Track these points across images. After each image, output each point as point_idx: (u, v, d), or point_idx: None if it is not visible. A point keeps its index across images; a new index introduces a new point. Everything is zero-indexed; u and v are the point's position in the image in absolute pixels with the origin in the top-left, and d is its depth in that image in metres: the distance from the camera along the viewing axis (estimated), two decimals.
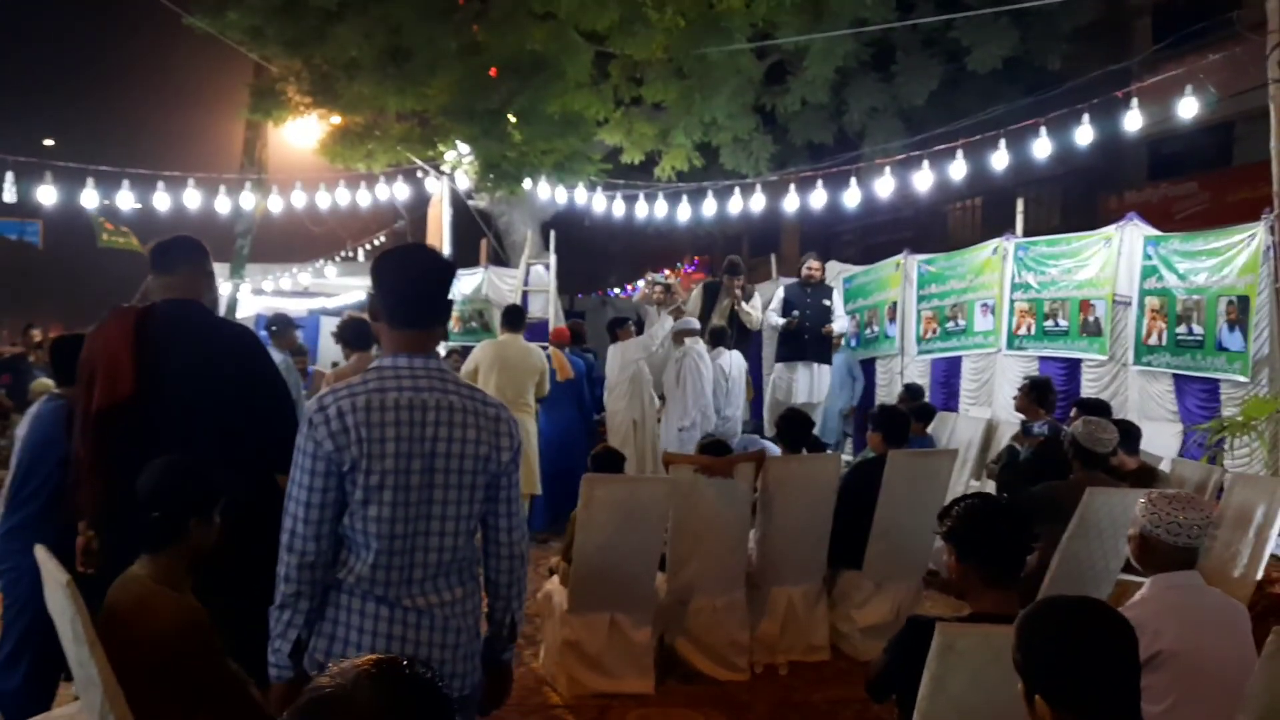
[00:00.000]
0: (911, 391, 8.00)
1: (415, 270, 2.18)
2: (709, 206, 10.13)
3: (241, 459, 2.78)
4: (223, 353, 2.91)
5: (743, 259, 9.43)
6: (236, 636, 2.48)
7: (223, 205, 10.77)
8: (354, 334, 5.69)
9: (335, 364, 8.31)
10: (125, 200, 10.18)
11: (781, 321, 8.62)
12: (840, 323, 8.61)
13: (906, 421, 5.14)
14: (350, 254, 16.60)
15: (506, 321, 7.25)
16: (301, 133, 12.32)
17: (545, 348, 7.50)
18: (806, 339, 8.54)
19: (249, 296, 13.89)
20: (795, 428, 5.37)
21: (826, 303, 8.54)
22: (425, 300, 2.18)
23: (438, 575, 2.14)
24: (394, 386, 2.11)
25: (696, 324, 8.12)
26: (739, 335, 8.62)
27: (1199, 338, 6.13)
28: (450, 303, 2.25)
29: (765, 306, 9.18)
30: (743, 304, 8.71)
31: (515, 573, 2.28)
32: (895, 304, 9.16)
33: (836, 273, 9.96)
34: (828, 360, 8.64)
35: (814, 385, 8.54)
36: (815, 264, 8.76)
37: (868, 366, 9.55)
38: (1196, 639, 2.51)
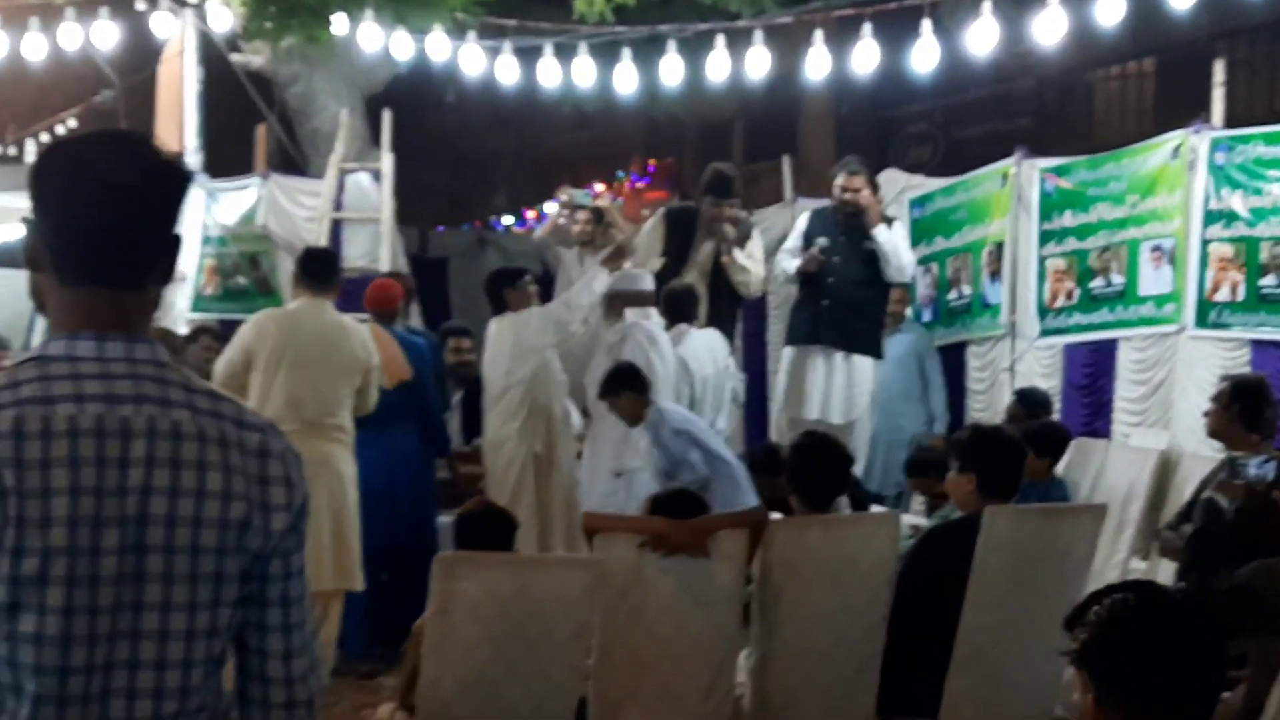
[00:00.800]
0: (1027, 400, 8.07)
1: (99, 180, 2.13)
2: (671, 69, 9.86)
3: None
4: None
5: (738, 159, 9.51)
6: None
7: None
8: None
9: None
10: None
11: (795, 264, 8.73)
12: (891, 245, 8.70)
13: (1017, 454, 5.22)
14: (11, 151, 16.36)
15: (306, 276, 7.29)
16: None
17: (364, 321, 7.63)
18: (826, 306, 8.72)
19: None
20: (818, 466, 5.41)
21: (872, 245, 8.75)
22: (120, 235, 2.14)
23: None
24: (68, 395, 2.08)
25: (648, 281, 8.21)
26: (718, 301, 8.76)
27: None
28: (175, 240, 2.22)
29: (771, 253, 9.28)
30: (735, 251, 8.82)
31: None
32: (1000, 247, 9.21)
33: (899, 190, 9.96)
34: (869, 348, 8.80)
35: (835, 391, 8.74)
36: (856, 179, 8.84)
37: (952, 357, 9.62)
38: None
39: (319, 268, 7.31)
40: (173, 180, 2.20)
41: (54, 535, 2.02)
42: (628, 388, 7.22)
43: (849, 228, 8.76)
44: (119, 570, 2.06)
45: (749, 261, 8.90)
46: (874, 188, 9.01)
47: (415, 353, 7.89)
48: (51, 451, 2.03)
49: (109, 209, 2.12)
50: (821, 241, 8.71)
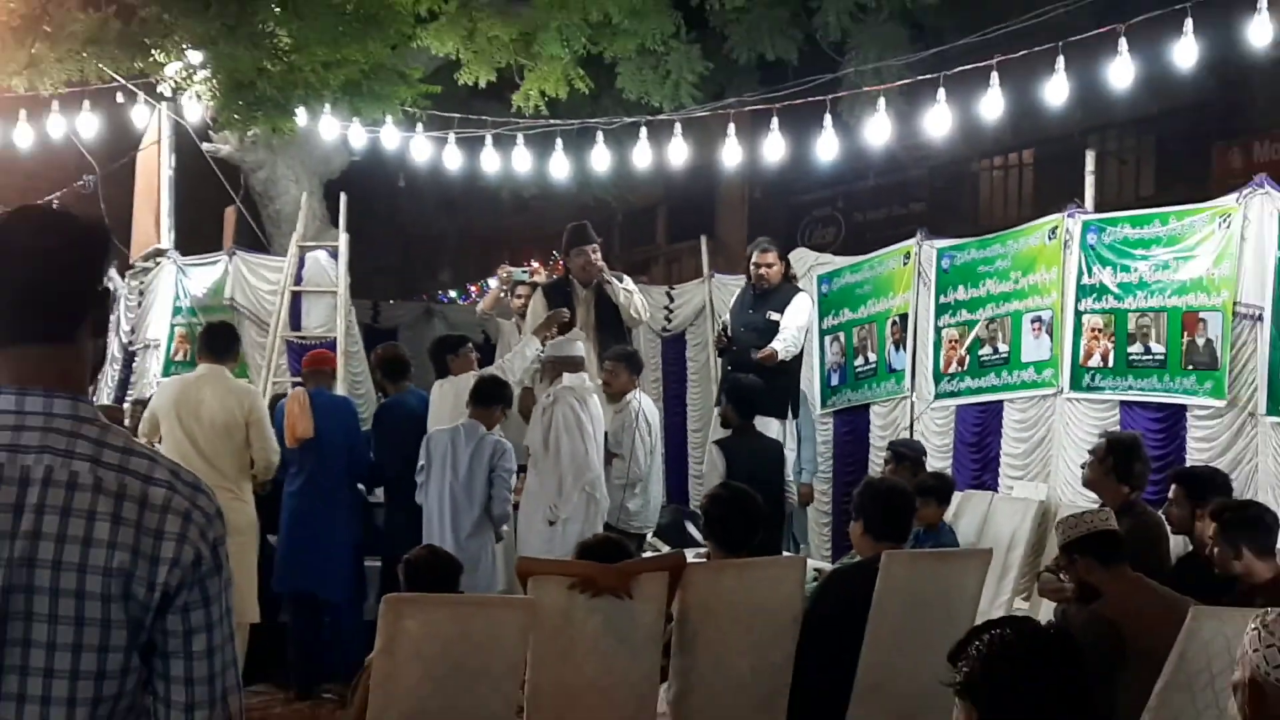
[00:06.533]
0: (900, 453, 8.07)
1: (20, 247, 2.18)
2: (600, 158, 10.24)
3: None
4: None
5: (661, 240, 9.48)
6: None
7: None
8: None
9: None
10: None
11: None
12: (783, 341, 8.62)
13: (904, 502, 5.32)
14: None
15: (205, 347, 7.74)
16: None
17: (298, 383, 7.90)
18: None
19: None
20: (731, 513, 5.37)
21: (775, 317, 8.69)
22: (29, 293, 2.16)
23: None
24: None
25: (578, 347, 8.23)
26: (612, 339, 8.82)
27: None
28: (103, 295, 2.25)
29: (689, 323, 9.55)
30: (614, 283, 8.88)
31: None
32: (904, 318, 9.36)
33: (808, 266, 10.13)
34: (776, 409, 8.59)
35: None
36: (769, 256, 8.85)
37: (858, 418, 9.81)
38: None
39: (215, 340, 7.72)
40: (90, 243, 2.22)
41: None
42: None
43: (756, 304, 8.77)
44: (6, 608, 2.03)
45: (628, 288, 8.96)
46: (786, 263, 9.00)
47: (336, 410, 8.14)
48: None
49: (30, 271, 2.16)
50: (724, 323, 8.72)
